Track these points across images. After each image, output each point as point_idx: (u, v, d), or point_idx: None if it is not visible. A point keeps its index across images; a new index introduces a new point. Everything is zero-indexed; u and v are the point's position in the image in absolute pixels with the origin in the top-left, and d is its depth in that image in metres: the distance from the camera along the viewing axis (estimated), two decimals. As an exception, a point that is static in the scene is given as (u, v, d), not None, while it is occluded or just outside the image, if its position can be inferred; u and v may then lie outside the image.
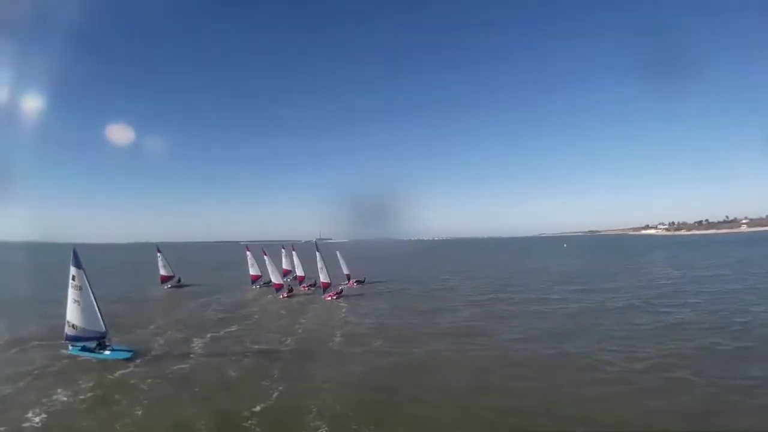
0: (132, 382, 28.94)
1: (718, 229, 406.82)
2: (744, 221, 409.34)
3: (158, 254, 77.72)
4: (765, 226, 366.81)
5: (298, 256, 73.69)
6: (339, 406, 24.26)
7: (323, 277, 63.19)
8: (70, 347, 35.38)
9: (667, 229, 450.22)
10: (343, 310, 55.07)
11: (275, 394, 26.15)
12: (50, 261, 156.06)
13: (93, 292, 35.21)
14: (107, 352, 34.66)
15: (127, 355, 34.46)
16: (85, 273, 35.16)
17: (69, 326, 35.35)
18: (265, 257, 70.30)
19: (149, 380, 29.08)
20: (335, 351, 36.54)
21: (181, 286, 77.93)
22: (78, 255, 35.24)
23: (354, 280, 75.06)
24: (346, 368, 31.29)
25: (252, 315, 52.48)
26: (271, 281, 68.98)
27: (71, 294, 35.26)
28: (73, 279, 35.23)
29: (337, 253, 76.79)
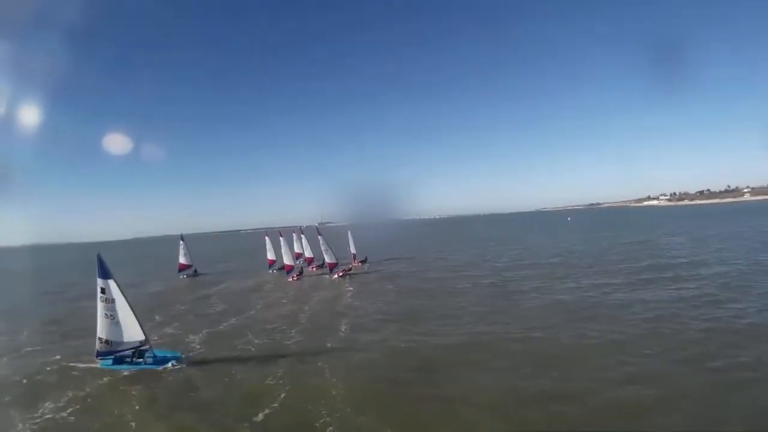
0: (138, 387, 28.47)
1: (721, 198, 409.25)
2: (746, 190, 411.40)
3: (181, 242, 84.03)
4: (766, 194, 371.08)
5: (307, 240, 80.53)
6: (350, 409, 23.00)
7: (329, 258, 69.35)
8: (100, 361, 32.70)
9: (669, 200, 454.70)
10: (350, 290, 58.38)
11: (282, 395, 25.25)
12: (55, 263, 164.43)
13: (128, 301, 32.41)
14: (149, 360, 32.64)
15: (174, 360, 32.63)
16: (116, 282, 32.16)
17: (101, 342, 32.45)
18: (281, 238, 75.95)
19: (175, 384, 28.82)
20: (343, 339, 36.28)
21: (197, 275, 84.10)
22: (105, 264, 32.05)
23: (359, 260, 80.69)
24: (354, 359, 30.82)
25: (262, 300, 55.33)
26: (284, 265, 74.84)
27: (101, 308, 32.27)
28: (103, 292, 32.15)
29: (349, 233, 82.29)
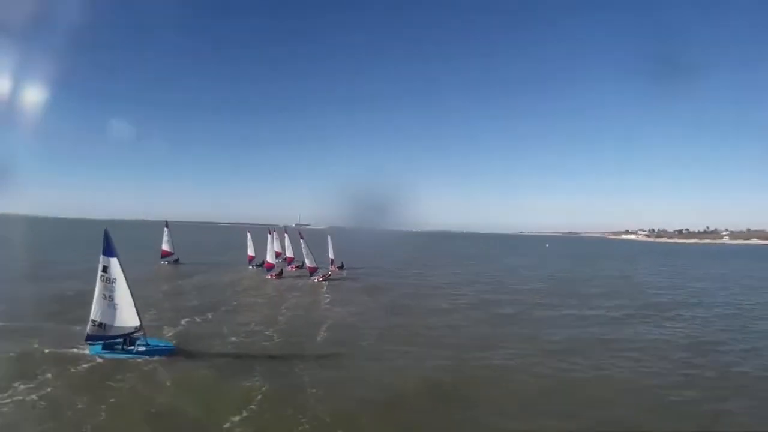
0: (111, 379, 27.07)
1: (699, 239, 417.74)
2: (725, 233, 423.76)
3: (165, 229, 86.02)
4: (746, 239, 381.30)
5: (289, 239, 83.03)
6: (330, 419, 22.51)
7: (309, 262, 71.37)
8: (89, 347, 31.08)
9: (647, 236, 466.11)
10: (328, 295, 60.31)
11: (258, 397, 24.70)
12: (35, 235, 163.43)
13: (128, 283, 31.43)
14: (141, 349, 31.36)
15: (167, 352, 31.75)
16: (119, 260, 31.26)
17: (94, 325, 30.85)
18: (268, 236, 77.20)
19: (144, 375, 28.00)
20: (322, 345, 36.38)
21: (178, 264, 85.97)
22: (111, 241, 31.48)
23: (336, 266, 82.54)
24: (335, 365, 30.98)
25: (240, 297, 56.44)
26: (263, 262, 77.41)
27: (100, 288, 31.02)
28: (104, 270, 31.06)
29: (329, 237, 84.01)
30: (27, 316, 38.94)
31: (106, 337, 31.15)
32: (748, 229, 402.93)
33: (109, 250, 31.23)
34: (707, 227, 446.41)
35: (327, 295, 60.66)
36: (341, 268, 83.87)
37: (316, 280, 69.59)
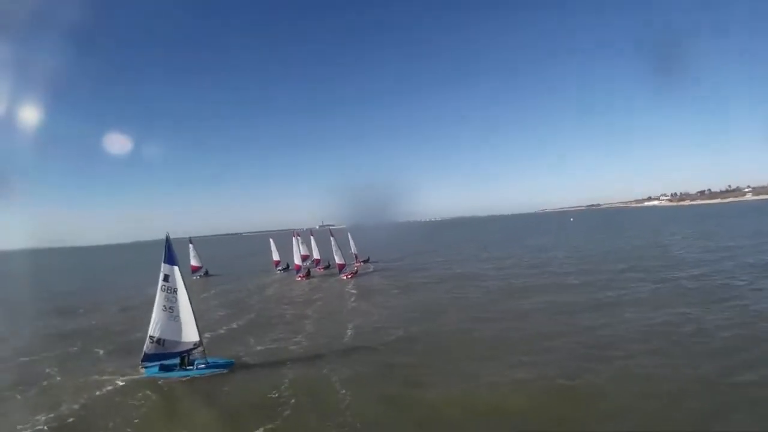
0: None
1: (722, 198, 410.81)
2: (747, 189, 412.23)
3: (190, 245, 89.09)
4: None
5: (315, 241, 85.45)
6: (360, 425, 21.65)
7: (338, 259, 73.72)
8: (145, 369, 29.52)
9: (670, 200, 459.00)
10: (354, 292, 60.20)
11: (286, 413, 23.46)
12: (55, 266, 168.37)
13: (188, 293, 30.23)
14: (202, 366, 29.81)
15: (227, 367, 30.22)
16: (179, 269, 30.19)
17: (152, 343, 29.22)
18: (294, 239, 78.87)
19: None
20: (351, 346, 34.41)
21: (209, 276, 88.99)
22: (172, 248, 30.16)
23: (361, 260, 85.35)
24: (364, 366, 29.41)
25: (273, 300, 58.77)
26: (289, 265, 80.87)
27: (161, 300, 29.57)
28: (166, 279, 29.70)
29: (348, 234, 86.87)
30: (78, 343, 39.23)
31: (164, 356, 29.55)
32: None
33: (170, 258, 29.94)
34: (729, 186, 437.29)
35: (353, 291, 61.41)
36: (366, 261, 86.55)
37: (344, 277, 71.62)
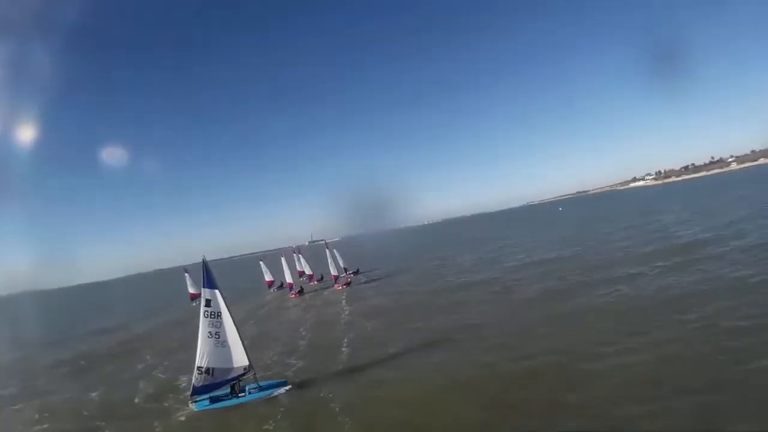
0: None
1: (707, 170, 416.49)
2: (731, 159, 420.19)
3: (186, 274, 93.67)
4: (755, 161, 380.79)
5: (303, 258, 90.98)
6: None
7: (333, 271, 79.77)
8: (195, 403, 28.20)
9: (655, 179, 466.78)
10: (347, 301, 63.73)
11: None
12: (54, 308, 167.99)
13: (232, 316, 29.57)
14: (254, 391, 29.18)
15: (282, 388, 29.18)
16: (221, 293, 29.43)
17: (201, 374, 28.02)
18: (282, 258, 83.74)
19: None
20: (348, 366, 33.26)
21: None
22: (211, 271, 29.43)
23: (350, 272, 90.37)
24: (363, 388, 28.34)
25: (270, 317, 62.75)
26: (283, 284, 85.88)
27: (205, 327, 28.64)
28: (208, 305, 28.92)
29: (334, 251, 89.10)
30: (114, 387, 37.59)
31: (214, 386, 28.45)
32: (753, 151, 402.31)
33: (209, 282, 29.25)
34: (712, 158, 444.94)
35: (345, 300, 65.18)
36: (356, 273, 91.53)
37: (338, 287, 76.76)
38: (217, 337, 28.93)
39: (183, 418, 28.02)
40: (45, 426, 30.22)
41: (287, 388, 29.22)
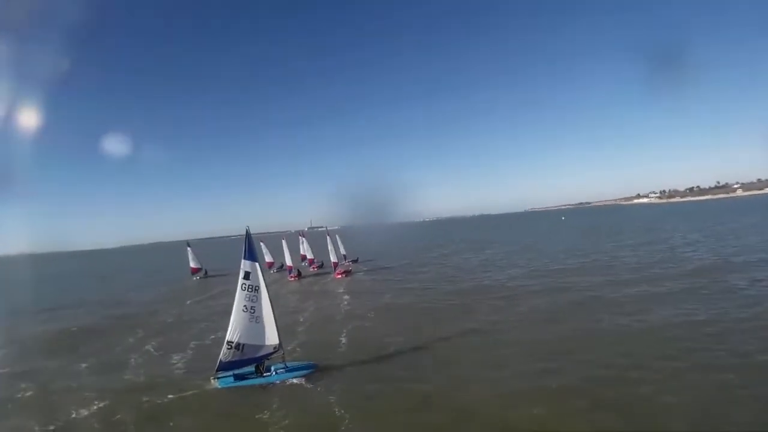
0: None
1: (713, 194, 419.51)
2: (736, 186, 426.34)
3: (188, 248, 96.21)
4: (760, 189, 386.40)
5: (307, 242, 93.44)
6: None
7: (333, 258, 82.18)
8: (218, 380, 27.40)
9: (659, 197, 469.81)
10: (348, 289, 65.06)
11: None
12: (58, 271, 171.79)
13: (268, 291, 28.58)
14: (281, 371, 28.35)
15: (309, 370, 28.72)
16: (260, 266, 28.63)
17: (230, 349, 27.38)
18: (283, 241, 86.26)
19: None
20: (347, 359, 31.82)
21: (208, 277, 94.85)
22: (252, 242, 28.67)
23: (350, 260, 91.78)
24: (360, 382, 27.33)
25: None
26: (283, 265, 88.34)
27: (241, 299, 27.88)
28: (246, 277, 28.03)
29: (336, 236, 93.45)
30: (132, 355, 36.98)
31: (240, 363, 27.75)
32: (759, 179, 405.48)
33: (250, 254, 28.33)
34: (717, 182, 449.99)
35: (345, 288, 66.32)
36: (355, 261, 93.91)
37: (338, 275, 78.24)
38: (252, 311, 28.03)
39: (203, 394, 26.95)
40: (29, 393, 29.37)
41: (311, 371, 28.65)
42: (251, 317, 27.99)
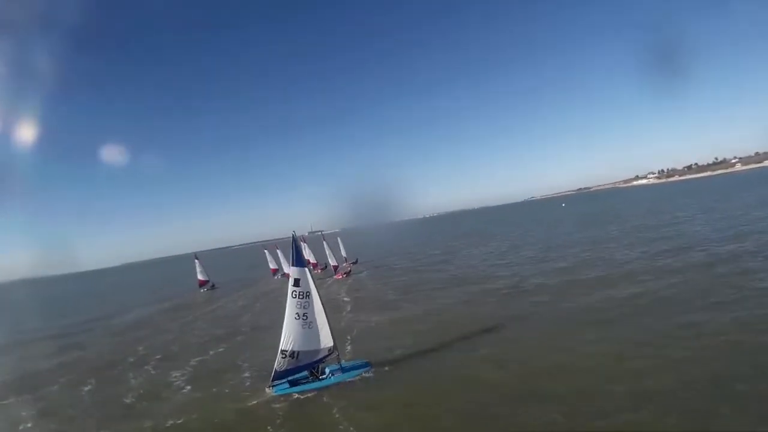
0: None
1: (712, 171, 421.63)
2: (735, 161, 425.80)
3: (196, 261, 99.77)
4: (759, 162, 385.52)
5: (309, 248, 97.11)
6: None
7: (332, 261, 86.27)
8: (274, 388, 27.34)
9: (658, 178, 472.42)
10: (349, 295, 64.72)
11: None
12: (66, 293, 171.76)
13: (319, 293, 28.55)
14: (338, 373, 28.32)
15: (365, 369, 28.86)
16: (310, 272, 28.70)
17: (284, 358, 27.60)
18: (277, 250, 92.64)
19: None
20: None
21: (215, 288, 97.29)
22: (300, 248, 28.88)
23: (350, 262, 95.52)
24: (367, 391, 26.62)
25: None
26: (285, 273, 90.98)
27: (293, 307, 27.94)
28: (296, 284, 28.04)
29: (338, 239, 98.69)
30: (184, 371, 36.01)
31: (297, 370, 27.95)
32: (757, 153, 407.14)
33: (298, 260, 28.39)
34: (716, 158, 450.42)
35: (347, 294, 65.81)
36: (355, 263, 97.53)
37: (338, 277, 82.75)
38: (304, 318, 28.13)
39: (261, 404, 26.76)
40: (29, 425, 28.91)
41: (367, 369, 28.86)
42: (304, 323, 28.12)
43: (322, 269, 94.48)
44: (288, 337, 27.73)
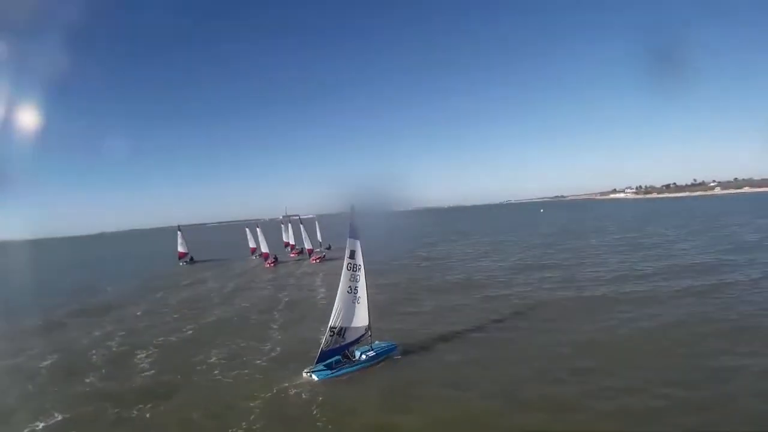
0: None
1: (690, 191, 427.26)
2: (713, 184, 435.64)
3: (178, 233, 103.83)
4: (737, 188, 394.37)
5: (293, 229, 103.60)
6: None
7: (308, 245, 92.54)
8: (314, 372, 25.54)
9: (635, 193, 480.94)
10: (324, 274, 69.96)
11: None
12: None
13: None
14: (371, 355, 27.55)
15: (393, 350, 28.67)
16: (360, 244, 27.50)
17: (332, 335, 26.50)
18: (257, 229, 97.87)
19: None
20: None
21: (194, 263, 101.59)
22: (355, 220, 27.66)
23: (324, 246, 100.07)
24: (347, 384, 25.66)
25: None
26: (262, 253, 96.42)
27: (346, 280, 27.13)
28: (352, 256, 27.30)
29: (316, 223, 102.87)
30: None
31: (336, 351, 26.86)
32: (736, 179, 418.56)
33: (354, 232, 27.60)
34: (694, 179, 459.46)
35: (321, 279, 68.25)
36: (329, 248, 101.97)
37: (313, 261, 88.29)
38: (354, 292, 27.46)
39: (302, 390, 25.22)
40: None
41: (395, 350, 28.91)
42: (354, 298, 27.48)
43: (298, 252, 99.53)
44: (339, 313, 26.85)
